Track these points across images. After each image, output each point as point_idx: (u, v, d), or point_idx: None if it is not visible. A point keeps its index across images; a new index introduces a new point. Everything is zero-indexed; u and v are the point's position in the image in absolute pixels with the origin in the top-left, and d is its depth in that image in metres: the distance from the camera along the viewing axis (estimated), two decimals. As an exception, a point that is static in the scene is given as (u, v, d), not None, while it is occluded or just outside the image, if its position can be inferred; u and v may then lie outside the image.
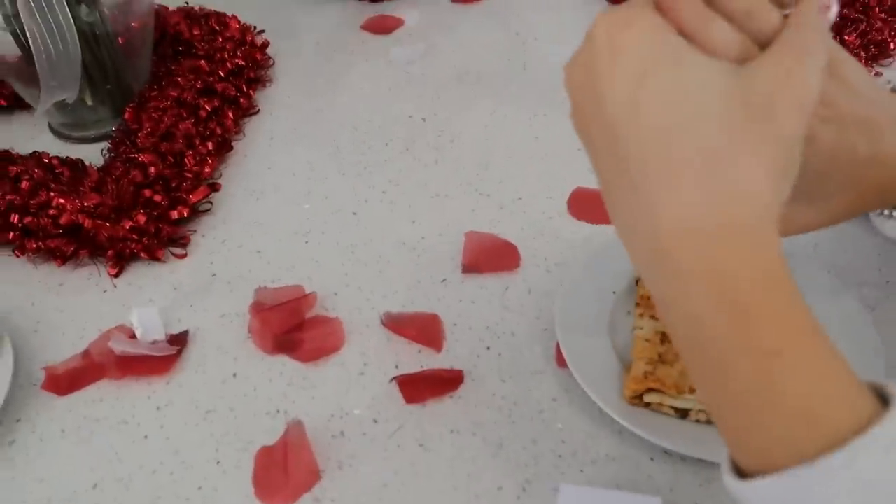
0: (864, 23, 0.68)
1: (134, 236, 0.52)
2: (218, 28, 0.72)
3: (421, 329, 0.46)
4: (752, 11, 0.26)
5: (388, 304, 0.48)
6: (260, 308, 0.47)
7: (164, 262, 0.52)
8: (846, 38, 0.67)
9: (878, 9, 0.70)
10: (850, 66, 0.31)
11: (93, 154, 0.60)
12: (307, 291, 0.48)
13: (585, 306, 0.45)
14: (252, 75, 0.70)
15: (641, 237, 0.25)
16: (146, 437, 0.42)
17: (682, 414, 0.39)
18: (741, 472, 0.24)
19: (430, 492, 0.38)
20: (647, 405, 0.39)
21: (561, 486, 0.35)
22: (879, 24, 0.69)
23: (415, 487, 0.38)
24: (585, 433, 0.40)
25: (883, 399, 0.23)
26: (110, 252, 0.52)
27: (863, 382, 0.24)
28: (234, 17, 0.74)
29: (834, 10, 0.27)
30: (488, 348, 0.45)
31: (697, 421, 0.39)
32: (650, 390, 0.39)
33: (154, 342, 0.46)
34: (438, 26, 0.80)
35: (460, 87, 0.69)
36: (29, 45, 0.56)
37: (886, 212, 0.36)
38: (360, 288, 0.49)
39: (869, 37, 0.68)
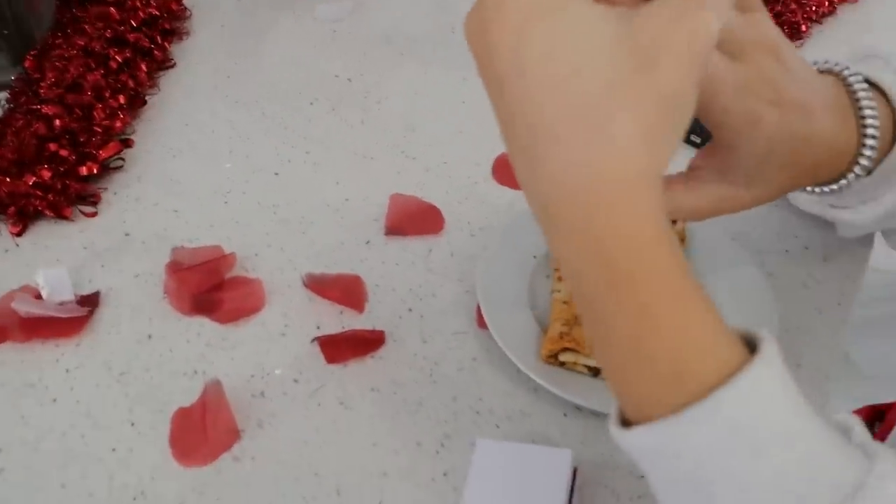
0: (780, 4, 0.71)
1: (38, 192, 0.49)
2: (130, -26, 0.69)
3: (343, 290, 0.46)
4: None
5: (310, 266, 0.47)
6: (177, 268, 0.46)
7: (73, 220, 0.50)
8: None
9: (788, -12, 0.73)
10: (790, 50, 0.32)
11: (-9, 104, 0.57)
12: (226, 251, 0.47)
13: (506, 269, 0.46)
14: (167, 26, 0.67)
15: (532, 196, 0.26)
16: (55, 400, 0.40)
17: (595, 372, 0.41)
18: (628, 424, 0.25)
19: (350, 449, 0.39)
20: (563, 364, 0.41)
21: (477, 441, 0.36)
22: (794, 6, 0.72)
23: (335, 445, 0.39)
24: (503, 391, 0.41)
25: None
26: (11, 209, 0.49)
27: (736, 334, 0.25)
28: (148, -37, 0.70)
29: None
30: (410, 310, 0.45)
31: (610, 378, 0.41)
32: (565, 350, 0.41)
33: (62, 303, 0.44)
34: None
35: (388, 48, 0.68)
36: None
37: (820, 189, 0.38)
38: (281, 249, 0.49)
39: (783, 17, 0.71)
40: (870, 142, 0.34)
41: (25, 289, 0.44)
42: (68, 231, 0.49)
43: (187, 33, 0.69)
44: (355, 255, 0.49)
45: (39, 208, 0.49)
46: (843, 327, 0.46)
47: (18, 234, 0.49)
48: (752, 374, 0.23)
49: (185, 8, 0.70)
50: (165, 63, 0.65)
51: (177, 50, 0.67)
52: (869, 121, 0.34)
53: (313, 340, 0.43)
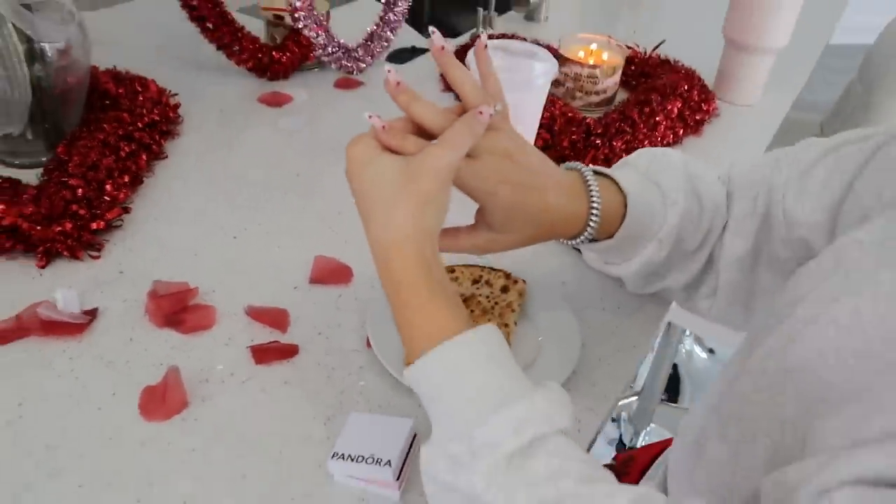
0: (629, 135, 0.94)
1: (60, 239, 0.68)
2: (139, 89, 0.90)
3: (272, 317, 0.64)
4: (433, 127, 0.49)
5: (251, 301, 0.66)
6: (154, 295, 0.65)
7: (83, 260, 0.69)
8: (615, 143, 0.92)
9: (641, 124, 0.96)
10: (526, 149, 0.53)
11: (27, 177, 0.76)
12: (191, 286, 0.66)
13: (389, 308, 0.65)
14: (164, 128, 0.88)
15: (370, 245, 0.48)
16: (59, 376, 0.58)
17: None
18: None
19: (265, 419, 0.56)
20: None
21: (351, 414, 0.54)
22: (641, 136, 0.95)
23: (254, 416, 0.56)
24: (379, 388, 0.59)
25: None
26: (40, 249, 0.68)
27: (463, 325, 0.45)
28: (153, 80, 0.92)
29: (486, 112, 0.49)
30: (319, 333, 0.64)
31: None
32: (419, 358, 0.59)
33: (71, 313, 0.62)
34: (321, 104, 1.01)
35: (332, 152, 0.89)
36: (-12, 88, 0.73)
37: (569, 242, 0.58)
38: (232, 287, 0.67)
39: (633, 145, 0.94)
40: (594, 213, 0.55)
41: (46, 302, 0.62)
42: (79, 267, 0.68)
43: (179, 134, 0.90)
44: (285, 296, 0.67)
45: (60, 250, 0.68)
46: (632, 363, 0.65)
47: (43, 267, 0.67)
48: (438, 350, 0.44)
49: (180, 115, 0.92)
50: (160, 155, 0.85)
51: (169, 146, 0.88)
52: (594, 200, 0.55)
53: (247, 347, 0.61)
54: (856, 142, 0.54)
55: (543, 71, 0.74)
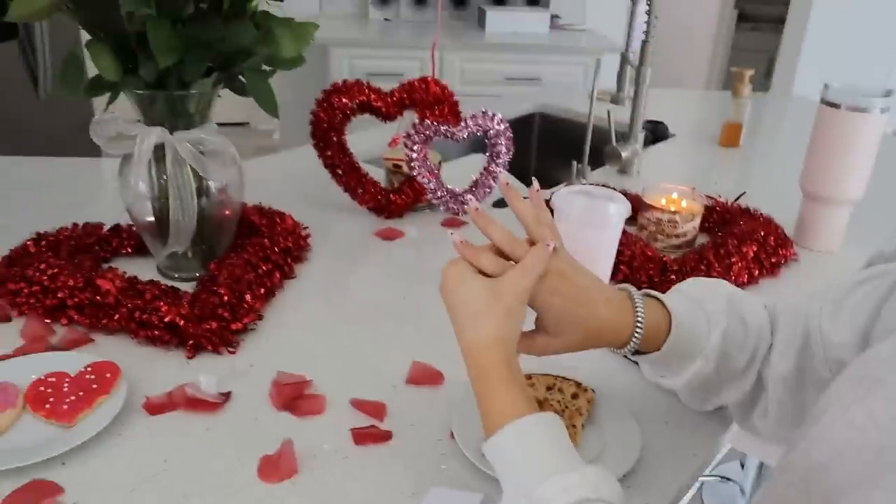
0: (704, 273, 1.02)
1: (207, 335, 0.83)
2: (278, 221, 1.09)
3: (373, 408, 0.75)
4: (510, 250, 0.62)
5: (356, 394, 0.77)
6: (277, 384, 0.77)
7: (222, 354, 0.83)
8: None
9: (716, 264, 1.03)
10: (578, 270, 0.63)
11: (184, 288, 0.93)
12: (307, 378, 0.78)
13: (472, 404, 0.74)
14: (296, 254, 1.05)
15: (461, 347, 0.59)
16: (198, 443, 0.70)
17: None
18: None
19: (360, 491, 0.65)
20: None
21: (432, 489, 0.62)
22: (715, 275, 1.02)
23: (351, 487, 0.65)
24: (457, 471, 0.67)
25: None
26: (190, 342, 0.82)
27: (532, 409, 0.55)
28: (290, 215, 1.11)
29: (551, 245, 0.60)
30: (411, 424, 0.73)
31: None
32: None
33: (211, 394, 0.75)
34: (428, 239, 1.16)
35: (434, 279, 1.01)
36: (162, 215, 0.92)
37: (618, 350, 0.66)
38: (341, 383, 0.79)
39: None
40: (639, 325, 0.63)
41: (192, 384, 0.76)
42: (219, 359, 0.82)
43: (308, 259, 1.07)
44: (385, 392, 0.78)
45: (205, 345, 0.82)
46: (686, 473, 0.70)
47: (191, 357, 0.82)
48: (512, 425, 0.52)
49: (309, 244, 1.09)
50: (291, 275, 1.01)
51: (299, 268, 1.04)
52: (639, 314, 0.64)
53: (349, 430, 0.71)
54: (880, 276, 0.61)
55: (617, 211, 0.86)
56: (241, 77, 0.92)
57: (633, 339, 0.64)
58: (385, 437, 0.71)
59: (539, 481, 0.50)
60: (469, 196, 1.06)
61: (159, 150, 0.90)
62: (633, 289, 0.67)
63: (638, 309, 0.64)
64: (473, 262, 0.61)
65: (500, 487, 0.56)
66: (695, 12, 4.60)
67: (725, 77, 4.39)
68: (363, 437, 0.71)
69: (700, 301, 0.68)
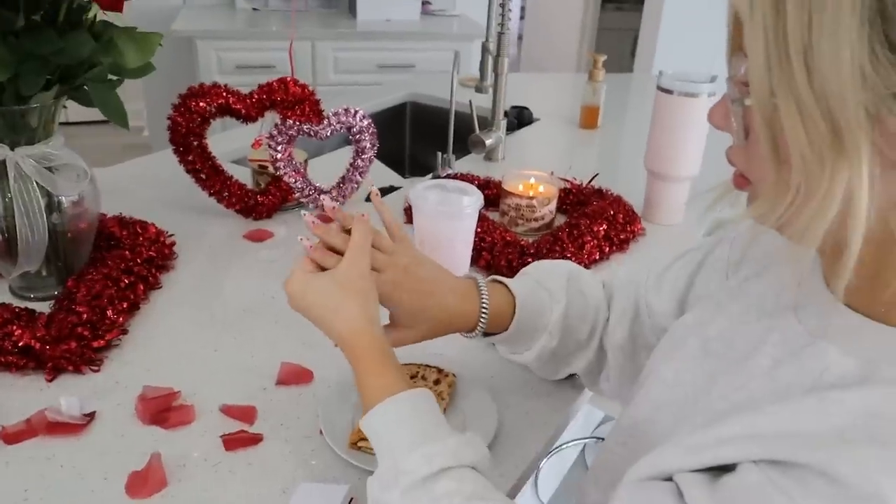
0: (559, 254, 1.09)
1: (67, 356, 0.81)
2: (140, 231, 1.07)
3: (242, 412, 0.76)
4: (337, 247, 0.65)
5: (226, 400, 0.78)
6: (143, 398, 0.77)
7: (85, 374, 0.82)
8: (548, 261, 1.07)
9: (570, 244, 1.11)
10: (422, 263, 0.68)
11: (41, 308, 0.91)
12: (175, 390, 0.78)
13: (338, 399, 0.77)
14: (160, 263, 1.03)
15: (331, 337, 0.62)
16: (61, 466, 0.69)
17: (381, 456, 0.70)
18: None
19: (231, 494, 0.67)
20: (360, 448, 0.70)
21: (301, 483, 0.65)
22: (570, 255, 1.10)
23: (223, 493, 0.67)
24: (327, 465, 0.70)
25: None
26: (49, 364, 0.80)
27: (405, 387, 0.58)
28: (153, 224, 1.09)
29: (365, 215, 0.65)
30: (281, 424, 0.75)
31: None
32: (362, 439, 0.70)
33: (73, 416, 0.74)
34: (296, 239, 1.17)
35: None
36: (9, 233, 0.89)
37: (467, 335, 0.71)
38: (211, 391, 0.80)
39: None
40: (484, 310, 0.69)
41: (51, 408, 0.75)
42: (81, 379, 0.81)
43: (173, 267, 1.05)
44: (255, 395, 0.79)
45: (65, 366, 0.81)
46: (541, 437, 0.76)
47: (50, 380, 0.80)
48: (386, 402, 0.55)
49: (174, 252, 1.08)
50: (155, 285, 1.00)
51: (164, 277, 1.03)
52: (484, 301, 0.69)
53: (220, 436, 0.73)
54: (694, 250, 0.68)
55: (470, 202, 0.91)
56: (85, 87, 0.90)
57: (480, 323, 0.69)
58: (255, 440, 0.73)
59: (405, 453, 0.54)
60: (324, 196, 1.10)
61: (1, 167, 0.87)
62: (479, 276, 0.71)
63: (483, 295, 0.69)
64: (321, 261, 0.64)
65: (366, 479, 0.59)
66: (561, -6, 4.76)
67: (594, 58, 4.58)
68: (233, 442, 0.72)
69: (542, 281, 0.74)
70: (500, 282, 0.73)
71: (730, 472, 0.40)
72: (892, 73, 0.34)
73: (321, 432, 0.73)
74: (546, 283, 0.74)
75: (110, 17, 0.85)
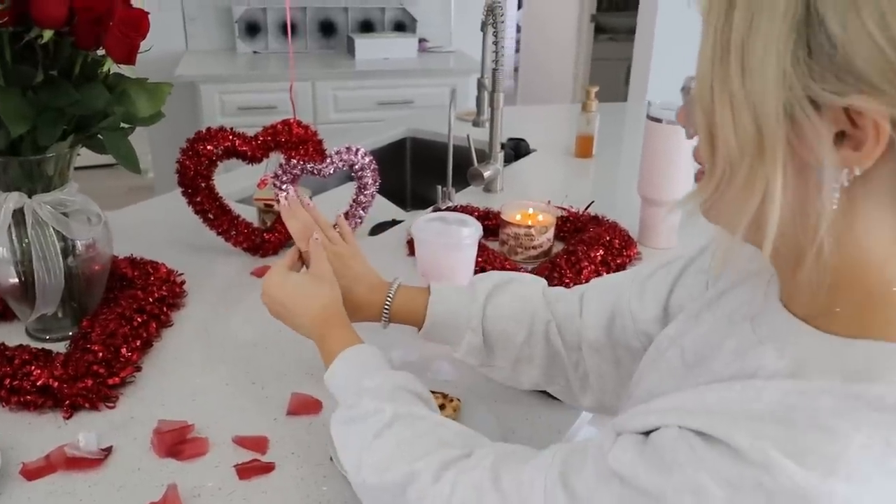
0: (557, 280, 1.12)
1: (83, 393, 0.84)
2: (151, 271, 1.10)
3: (254, 443, 0.79)
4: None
5: (239, 431, 0.81)
6: (158, 432, 0.79)
7: (100, 410, 0.84)
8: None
9: (567, 270, 1.14)
10: (356, 262, 0.81)
11: (57, 348, 0.94)
12: (189, 423, 0.81)
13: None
14: (171, 301, 1.07)
15: (299, 330, 0.73)
16: (80, 500, 0.71)
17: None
18: None
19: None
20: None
21: (313, 511, 0.67)
22: (567, 280, 1.13)
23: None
24: (337, 491, 0.73)
25: None
26: (66, 402, 0.83)
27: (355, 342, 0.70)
28: (163, 264, 1.12)
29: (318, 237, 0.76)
30: (293, 453, 0.78)
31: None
32: (370, 465, 0.73)
33: (91, 451, 0.76)
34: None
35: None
36: (26, 278, 0.92)
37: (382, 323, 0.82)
38: (223, 423, 0.82)
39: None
40: (386, 304, 0.80)
41: (71, 443, 0.77)
42: (98, 415, 0.83)
43: (184, 305, 1.09)
44: (267, 425, 0.82)
45: (82, 403, 0.84)
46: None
47: (68, 417, 0.83)
48: (344, 353, 0.66)
49: (185, 290, 1.11)
50: (167, 323, 1.03)
51: (175, 315, 1.06)
52: (389, 295, 0.80)
53: (232, 467, 0.75)
54: (676, 259, 0.72)
55: (469, 233, 0.94)
56: (99, 135, 0.94)
57: (384, 313, 0.80)
58: (268, 468, 0.76)
59: (360, 383, 0.65)
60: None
61: (19, 214, 0.91)
62: (399, 279, 0.82)
63: (390, 290, 0.80)
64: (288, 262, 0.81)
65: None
66: (555, 28, 4.86)
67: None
68: (246, 471, 0.75)
69: (470, 284, 0.82)
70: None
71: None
72: (808, 77, 0.38)
73: (331, 459, 0.76)
74: (473, 285, 0.81)
75: (122, 68, 0.90)
